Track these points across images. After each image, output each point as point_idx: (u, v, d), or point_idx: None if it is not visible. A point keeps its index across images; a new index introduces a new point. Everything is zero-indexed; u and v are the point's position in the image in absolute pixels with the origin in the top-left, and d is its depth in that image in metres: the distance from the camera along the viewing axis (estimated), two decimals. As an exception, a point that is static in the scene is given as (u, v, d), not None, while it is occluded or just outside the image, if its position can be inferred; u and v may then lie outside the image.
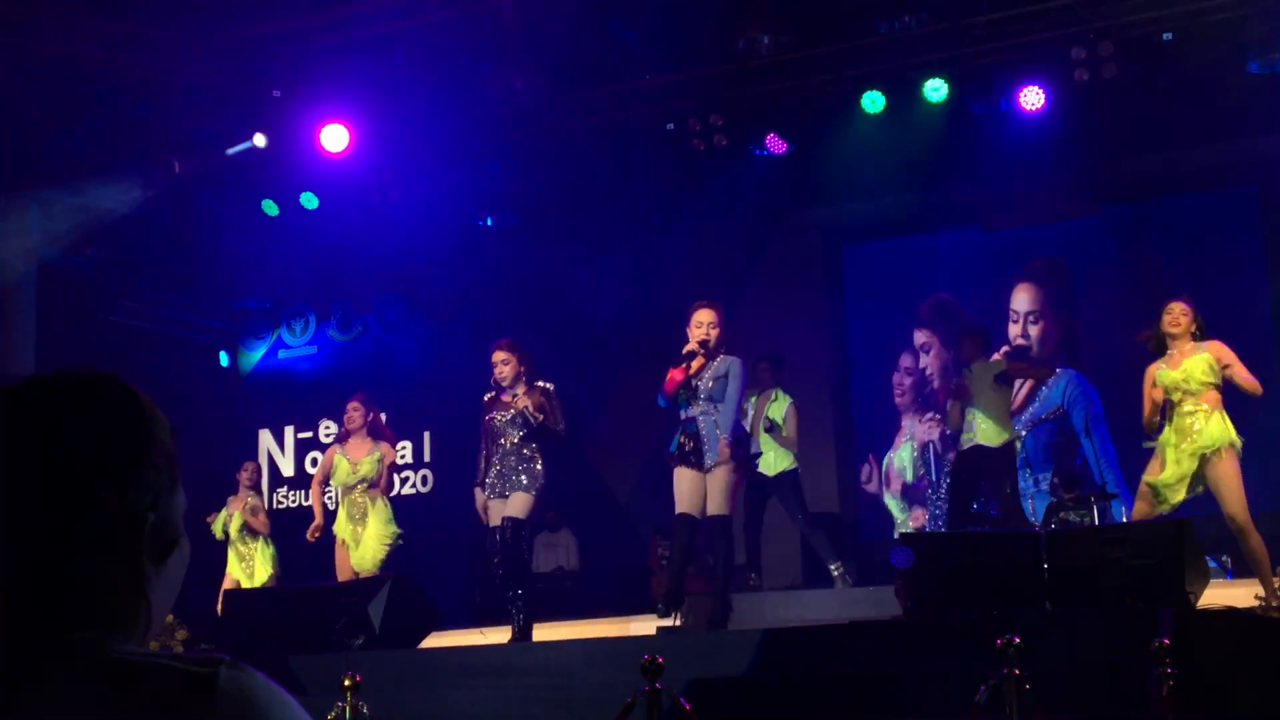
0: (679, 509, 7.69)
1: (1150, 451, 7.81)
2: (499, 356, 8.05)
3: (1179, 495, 7.39)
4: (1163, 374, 7.56)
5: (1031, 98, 10.76)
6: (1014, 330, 12.12)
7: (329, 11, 11.01)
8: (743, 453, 7.68)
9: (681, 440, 7.65)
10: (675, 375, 7.61)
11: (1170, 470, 7.38)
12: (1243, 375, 7.45)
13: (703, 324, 7.66)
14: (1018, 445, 10.35)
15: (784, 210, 13.20)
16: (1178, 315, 7.61)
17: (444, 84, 12.32)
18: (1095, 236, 12.33)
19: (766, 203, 12.81)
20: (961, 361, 10.16)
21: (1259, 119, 11.02)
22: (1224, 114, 10.94)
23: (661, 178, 12.43)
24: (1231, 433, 7.36)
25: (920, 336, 12.35)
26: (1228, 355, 7.54)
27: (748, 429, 10.78)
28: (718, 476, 7.51)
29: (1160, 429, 7.59)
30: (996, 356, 10.32)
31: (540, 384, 8.03)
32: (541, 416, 7.84)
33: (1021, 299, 12.25)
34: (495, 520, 7.94)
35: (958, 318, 11.98)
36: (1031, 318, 12.14)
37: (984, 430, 9.68)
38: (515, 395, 7.97)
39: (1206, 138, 11.42)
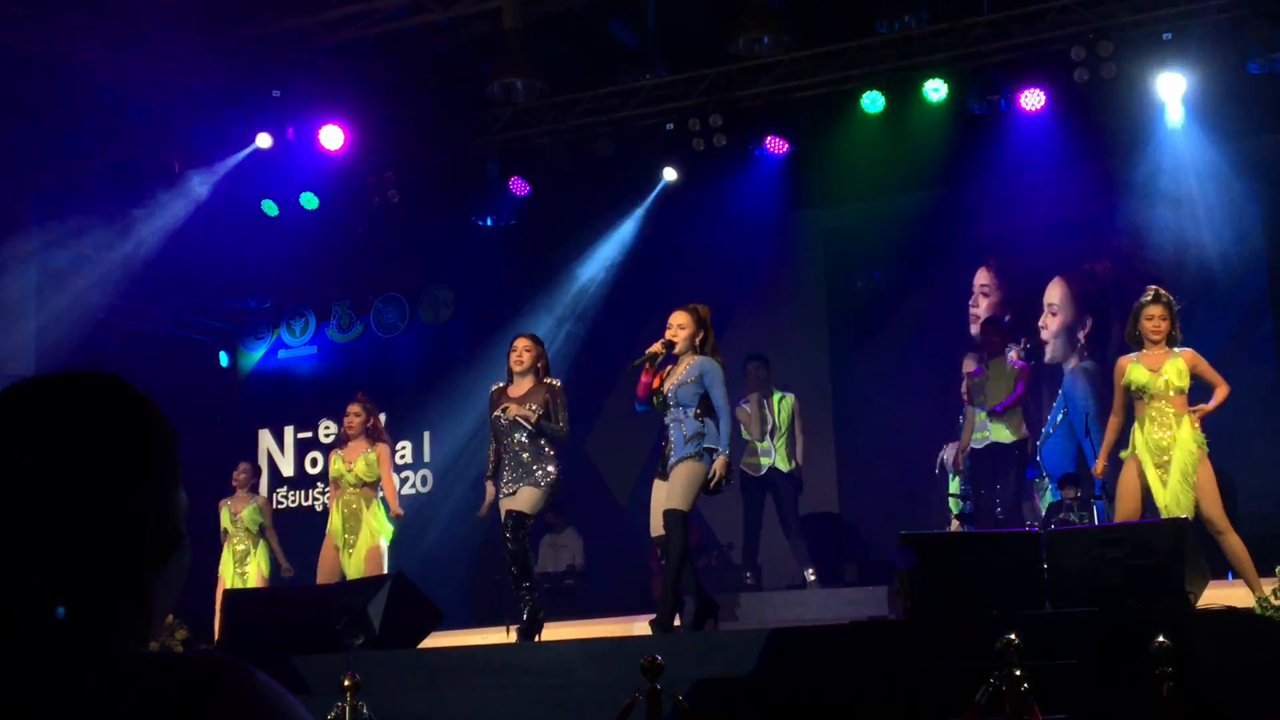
0: (652, 531, 7.44)
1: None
2: (521, 343, 7.95)
3: (1183, 510, 7.38)
4: (1135, 370, 7.56)
5: (1032, 99, 10.77)
6: (1041, 320, 12.20)
7: (330, 11, 11.01)
8: (706, 448, 7.23)
9: (663, 447, 7.52)
10: (643, 378, 7.48)
11: (1164, 496, 7.39)
12: (1214, 382, 7.46)
13: (672, 325, 7.43)
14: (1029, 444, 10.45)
15: (784, 210, 13.20)
16: (1158, 321, 7.56)
17: (443, 84, 12.34)
18: (1095, 237, 12.33)
19: (766, 203, 12.81)
20: (985, 356, 10.19)
21: (1259, 119, 11.02)
22: (1224, 114, 10.95)
23: (662, 178, 12.43)
24: (1199, 437, 7.39)
25: (982, 277, 12.28)
26: (1201, 363, 7.52)
27: (760, 430, 10.77)
28: (678, 470, 7.23)
29: (1127, 434, 7.60)
30: (1012, 356, 10.32)
31: (548, 380, 7.95)
32: (534, 419, 7.74)
33: (1051, 291, 12.30)
34: (504, 516, 7.90)
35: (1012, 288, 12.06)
36: (1052, 309, 12.19)
37: (998, 428, 9.75)
38: (519, 388, 7.88)
39: (1206, 138, 11.42)
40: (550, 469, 7.75)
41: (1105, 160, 12.01)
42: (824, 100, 11.51)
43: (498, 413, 7.91)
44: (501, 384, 8.02)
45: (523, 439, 7.75)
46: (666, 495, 7.26)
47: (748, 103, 11.56)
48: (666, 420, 7.38)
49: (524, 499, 7.72)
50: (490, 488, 7.99)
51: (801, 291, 13.22)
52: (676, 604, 7.21)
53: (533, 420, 7.68)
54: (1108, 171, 12.09)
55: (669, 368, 7.48)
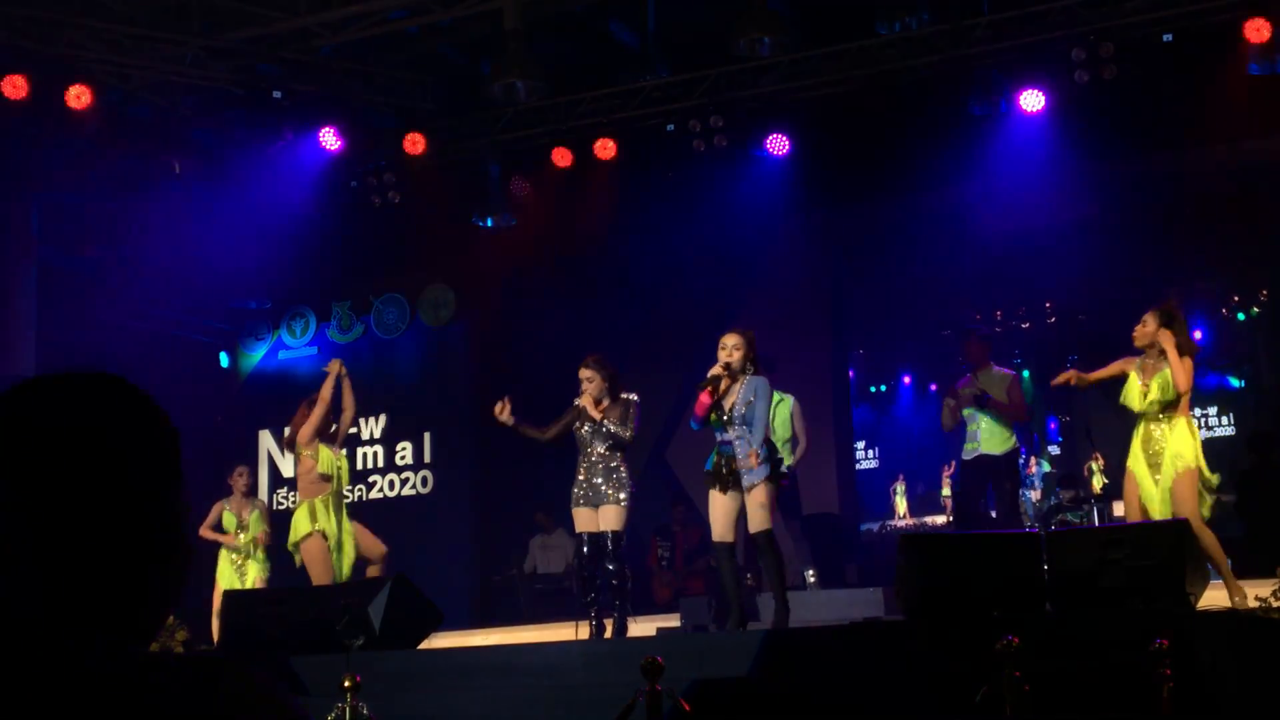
0: (715, 536, 7.76)
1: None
2: (585, 374, 8.08)
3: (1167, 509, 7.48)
4: (1130, 385, 7.58)
5: (1032, 99, 10.76)
6: None
7: (331, 12, 11.01)
8: (774, 467, 7.65)
9: (718, 462, 7.68)
10: (703, 399, 7.65)
11: (1156, 503, 7.46)
12: (1173, 363, 7.43)
13: (727, 346, 7.70)
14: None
15: (784, 210, 13.20)
16: (1139, 329, 7.60)
17: (443, 85, 12.33)
18: (1095, 236, 12.32)
19: (766, 203, 12.81)
20: (967, 365, 10.09)
21: (1259, 119, 11.02)
22: (1224, 114, 10.94)
23: (662, 178, 12.43)
24: (1196, 451, 7.41)
25: None
26: (1171, 348, 7.47)
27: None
28: (756, 494, 7.56)
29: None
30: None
31: (624, 395, 8.08)
32: (601, 419, 7.91)
33: None
34: (580, 526, 8.10)
35: None
36: None
37: (988, 439, 9.64)
38: (600, 408, 8.01)
39: (1206, 138, 11.42)
40: (625, 479, 8.00)
41: (1105, 160, 12.00)
42: (824, 101, 11.51)
43: (574, 423, 8.07)
44: (579, 402, 8.14)
45: (603, 451, 7.95)
46: (748, 517, 7.59)
47: (748, 104, 11.56)
48: (729, 438, 7.63)
49: (615, 519, 7.99)
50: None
51: (802, 292, 13.21)
52: (784, 609, 7.51)
53: (600, 420, 7.95)
54: (1107, 171, 12.09)
55: (725, 385, 7.71)
